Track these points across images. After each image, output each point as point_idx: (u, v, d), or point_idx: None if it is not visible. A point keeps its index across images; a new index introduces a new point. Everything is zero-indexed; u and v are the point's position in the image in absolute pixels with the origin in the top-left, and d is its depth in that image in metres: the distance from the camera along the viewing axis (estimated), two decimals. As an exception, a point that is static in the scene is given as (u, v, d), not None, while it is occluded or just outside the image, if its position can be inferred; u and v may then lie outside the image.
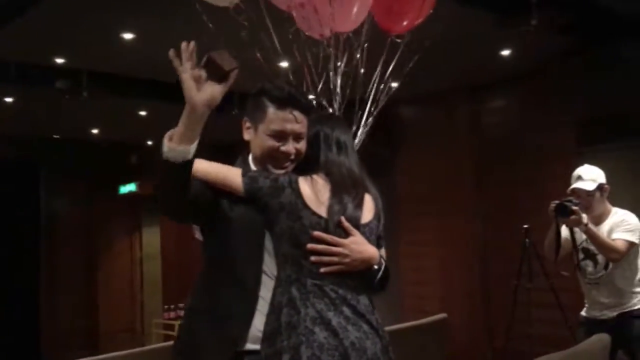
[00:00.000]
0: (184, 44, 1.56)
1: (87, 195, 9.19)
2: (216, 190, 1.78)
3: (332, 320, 1.68)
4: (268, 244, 1.81)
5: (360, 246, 1.78)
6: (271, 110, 1.80)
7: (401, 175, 6.90)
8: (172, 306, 8.06)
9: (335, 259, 1.73)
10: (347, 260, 1.74)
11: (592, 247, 3.41)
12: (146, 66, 5.28)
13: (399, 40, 2.97)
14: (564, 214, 3.31)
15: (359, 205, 1.83)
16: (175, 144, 1.57)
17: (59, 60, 5.16)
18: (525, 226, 4.84)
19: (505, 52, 5.25)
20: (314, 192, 1.78)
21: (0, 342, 8.05)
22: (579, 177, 3.44)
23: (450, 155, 6.47)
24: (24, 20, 4.13)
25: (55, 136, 8.41)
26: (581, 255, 3.49)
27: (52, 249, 8.95)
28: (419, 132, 6.75)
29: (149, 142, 8.66)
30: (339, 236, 1.76)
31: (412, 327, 3.84)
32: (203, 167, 1.77)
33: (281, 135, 1.80)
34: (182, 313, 7.80)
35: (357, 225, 1.80)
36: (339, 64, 2.77)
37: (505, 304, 5.08)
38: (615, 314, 3.38)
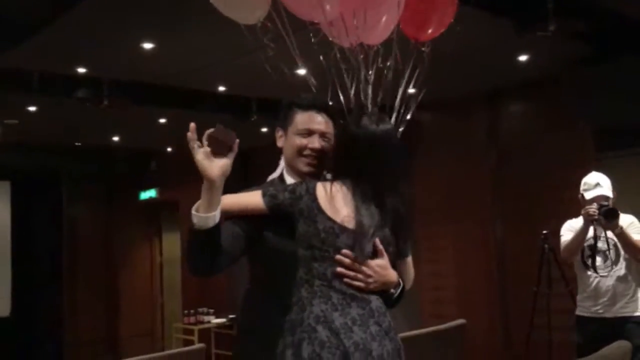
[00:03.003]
0: (192, 125, 1.69)
1: (108, 201, 9.30)
2: (250, 216, 1.86)
3: (335, 321, 1.71)
4: None
5: (384, 270, 1.81)
6: (298, 113, 2.04)
7: (419, 181, 6.88)
8: (192, 311, 8.10)
9: (360, 276, 1.77)
10: (370, 280, 1.77)
11: (599, 245, 3.56)
12: (165, 75, 5.35)
13: (423, 49, 2.98)
14: (613, 217, 3.42)
15: (377, 211, 1.82)
16: (202, 214, 1.71)
17: (81, 70, 5.24)
18: (545, 232, 4.82)
19: (523, 58, 5.23)
20: (330, 196, 1.80)
21: (24, 342, 8.19)
22: (598, 184, 3.59)
23: (467, 161, 6.46)
24: (46, 32, 4.21)
25: (76, 144, 8.52)
26: (588, 252, 3.62)
27: (73, 254, 9.07)
28: (436, 138, 6.73)
29: (169, 149, 8.75)
30: (356, 242, 1.77)
31: (430, 333, 3.84)
32: (224, 202, 1.81)
33: (308, 133, 2.01)
34: (201, 318, 7.91)
35: (368, 233, 1.79)
36: (370, 72, 2.77)
37: (524, 310, 5.05)
38: (614, 316, 3.52)
